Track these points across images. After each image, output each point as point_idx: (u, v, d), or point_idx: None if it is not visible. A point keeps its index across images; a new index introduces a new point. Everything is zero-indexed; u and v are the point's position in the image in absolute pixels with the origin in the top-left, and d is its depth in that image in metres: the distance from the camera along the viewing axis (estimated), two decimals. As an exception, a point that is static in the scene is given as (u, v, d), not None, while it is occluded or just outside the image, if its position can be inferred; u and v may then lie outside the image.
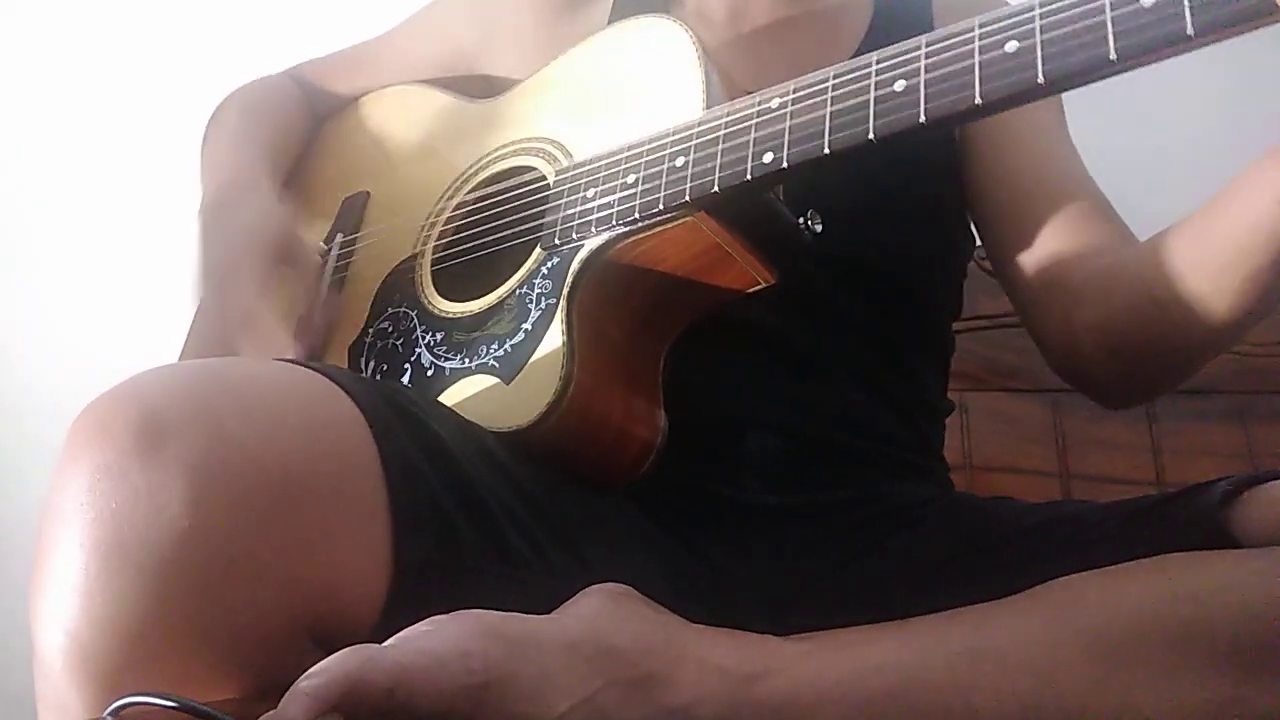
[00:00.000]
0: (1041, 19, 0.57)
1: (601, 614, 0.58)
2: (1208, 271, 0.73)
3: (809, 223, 0.75)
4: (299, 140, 1.08)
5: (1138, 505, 0.67)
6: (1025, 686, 0.52)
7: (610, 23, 0.95)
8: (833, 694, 0.54)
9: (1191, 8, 0.51)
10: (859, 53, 0.77)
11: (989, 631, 0.55)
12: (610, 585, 0.61)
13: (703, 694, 0.54)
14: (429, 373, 0.81)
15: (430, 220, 0.91)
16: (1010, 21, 0.59)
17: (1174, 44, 0.52)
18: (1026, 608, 0.57)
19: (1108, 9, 0.54)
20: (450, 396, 0.78)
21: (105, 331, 1.65)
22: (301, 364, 0.64)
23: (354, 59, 1.12)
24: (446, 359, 0.81)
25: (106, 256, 1.68)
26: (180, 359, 0.89)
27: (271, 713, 0.47)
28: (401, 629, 0.53)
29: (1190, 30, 0.51)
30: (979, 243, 0.97)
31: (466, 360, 0.79)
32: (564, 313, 0.75)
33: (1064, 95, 0.97)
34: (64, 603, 0.52)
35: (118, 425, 0.54)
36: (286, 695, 0.47)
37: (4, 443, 1.66)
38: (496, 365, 0.77)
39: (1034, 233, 0.88)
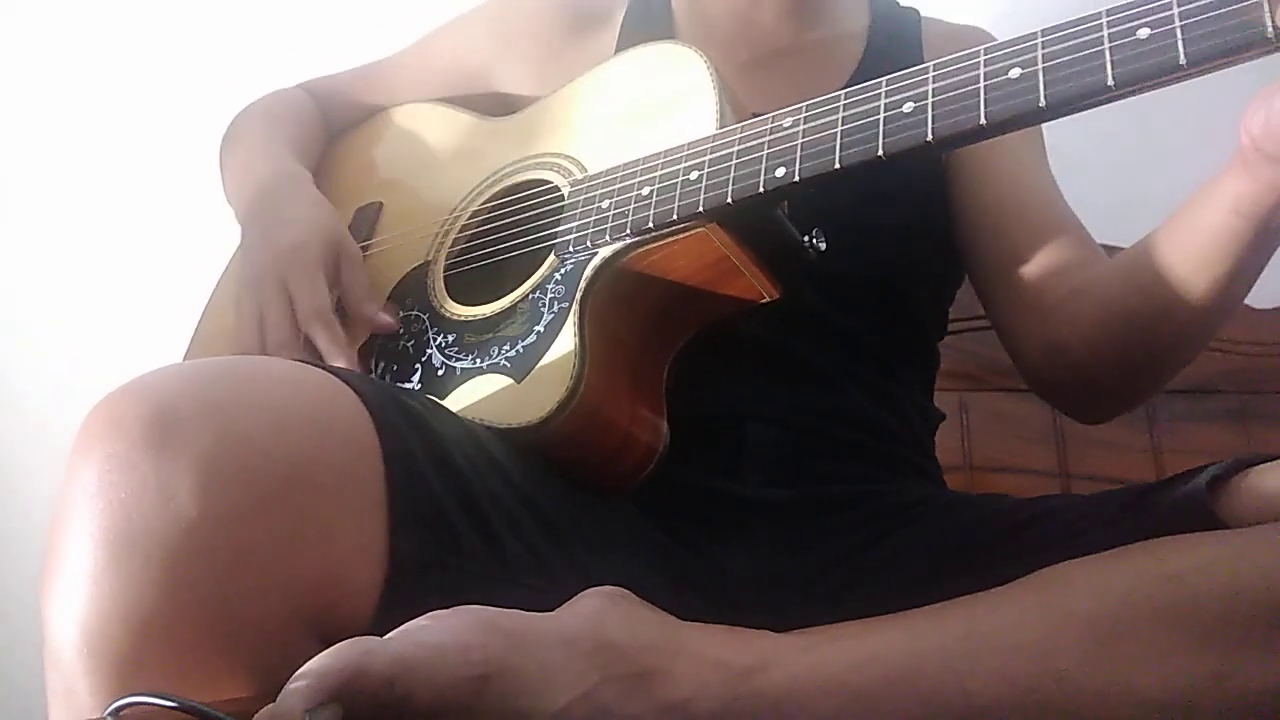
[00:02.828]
0: (1043, 48, 0.60)
1: (600, 612, 0.58)
2: (1172, 280, 0.76)
3: (814, 240, 0.78)
4: (317, 148, 1.10)
5: (1128, 495, 0.68)
6: (1020, 669, 0.53)
7: (618, 47, 0.98)
8: (830, 684, 0.54)
9: (1184, 40, 0.53)
10: (853, 80, 0.79)
11: (982, 618, 0.56)
12: (608, 588, 0.62)
13: (701, 688, 0.54)
14: (439, 373, 0.83)
15: (444, 229, 0.93)
16: (1013, 49, 0.62)
17: (1168, 73, 0.55)
18: (1019, 594, 0.57)
19: (1106, 39, 0.57)
20: (461, 395, 0.80)
21: (111, 330, 1.65)
22: (310, 363, 0.65)
23: (369, 75, 1.14)
24: (458, 359, 0.82)
25: (113, 255, 1.68)
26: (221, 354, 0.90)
27: (271, 705, 0.47)
28: (399, 625, 0.53)
29: (1183, 60, 0.54)
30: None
31: (478, 360, 0.81)
32: (577, 316, 0.77)
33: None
34: (73, 592, 0.53)
35: (129, 418, 0.54)
36: (285, 687, 0.48)
37: (11, 440, 1.66)
38: (508, 365, 0.79)
39: (1014, 256, 0.92)
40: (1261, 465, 0.61)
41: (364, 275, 0.90)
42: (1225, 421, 1.34)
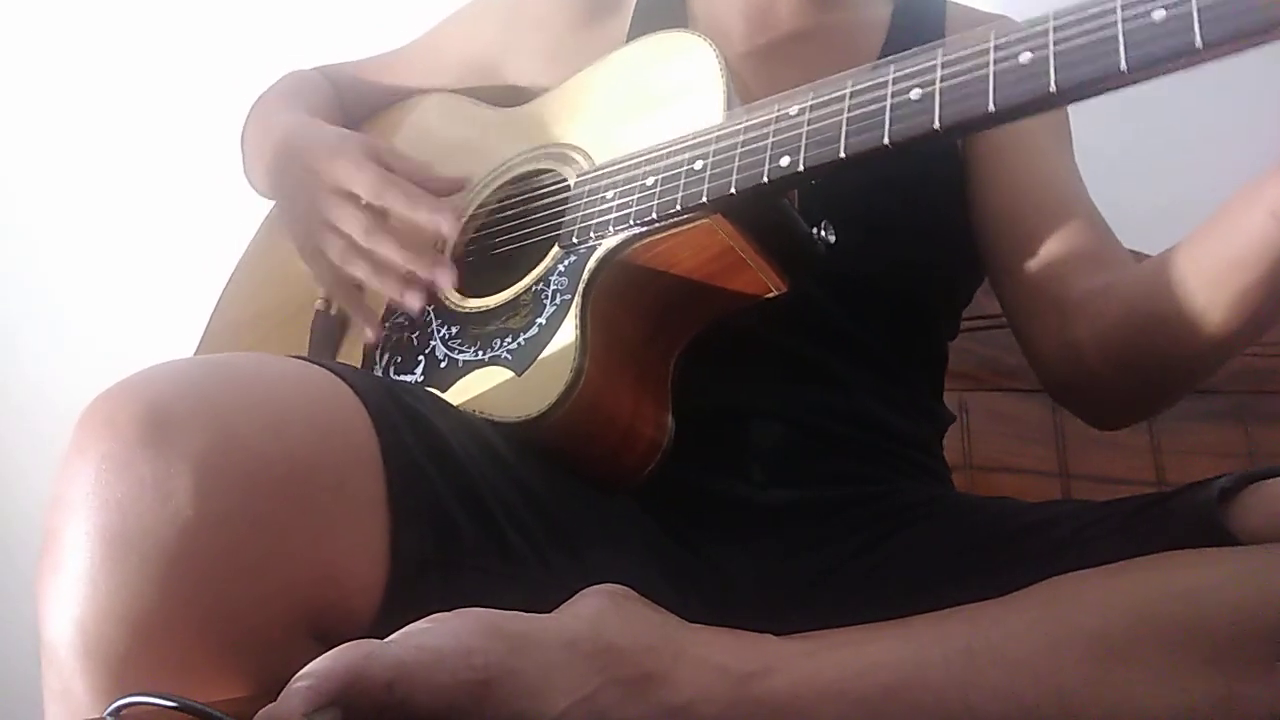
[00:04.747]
0: (1055, 32, 0.59)
1: (602, 613, 0.58)
2: (1201, 284, 0.74)
3: (823, 233, 0.77)
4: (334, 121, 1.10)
5: (1136, 503, 0.68)
6: (1023, 684, 0.53)
7: (629, 35, 0.97)
8: (831, 692, 0.54)
9: (1201, 22, 0.53)
10: None
11: (987, 629, 0.56)
12: (610, 586, 0.61)
13: (702, 692, 0.54)
14: (442, 364, 0.82)
15: None
16: (1024, 34, 0.61)
17: (1183, 56, 0.54)
18: (1025, 605, 0.57)
19: (1119, 22, 0.56)
20: (462, 388, 0.79)
21: (111, 327, 1.65)
22: (308, 360, 0.64)
23: (382, 65, 1.14)
24: (460, 351, 0.82)
25: (113, 251, 1.68)
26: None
27: (270, 705, 0.47)
28: (401, 626, 0.53)
29: (1199, 44, 0.53)
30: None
31: (480, 353, 0.81)
32: (578, 308, 0.76)
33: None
34: (69, 591, 0.53)
35: (124, 417, 0.54)
36: (285, 689, 0.48)
37: (10, 438, 1.66)
38: (509, 358, 0.78)
39: (1033, 249, 0.89)
40: (1273, 479, 0.60)
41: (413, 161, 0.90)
42: (1225, 421, 1.34)
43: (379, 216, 0.85)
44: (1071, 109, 0.98)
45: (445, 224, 0.83)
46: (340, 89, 1.13)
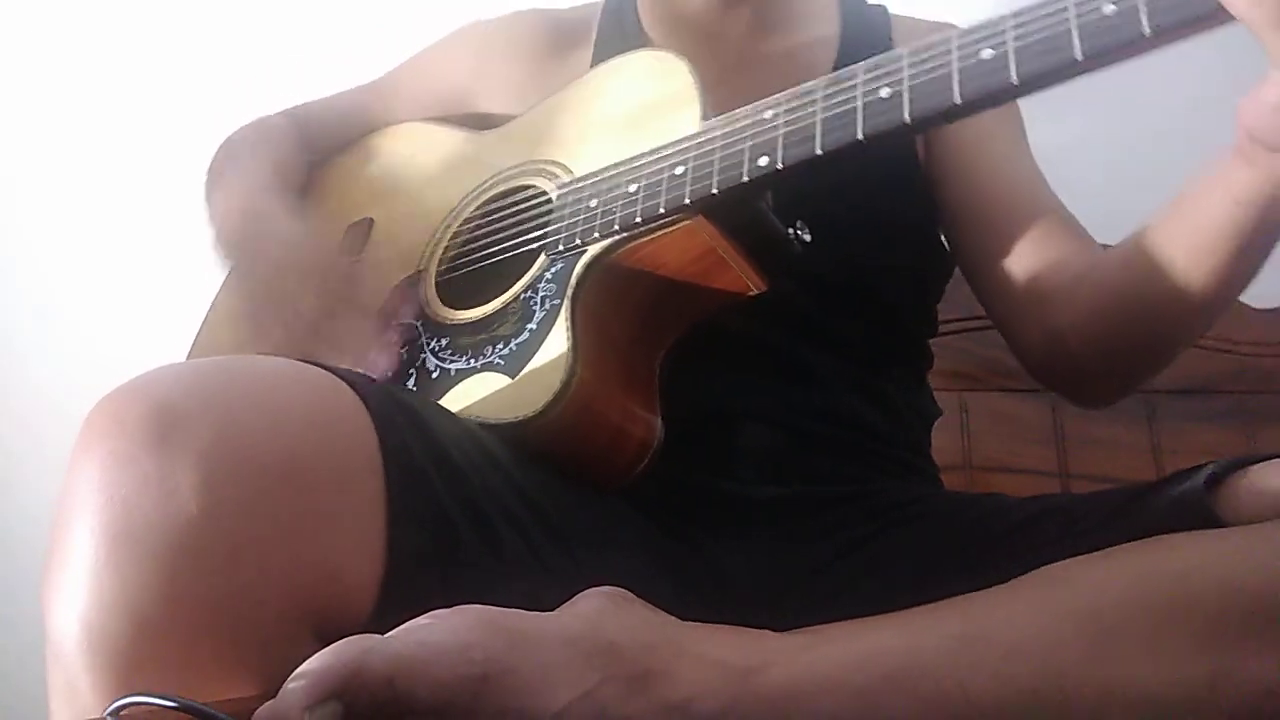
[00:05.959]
0: (1014, 29, 0.62)
1: (601, 613, 0.58)
2: (1174, 269, 0.76)
3: (798, 232, 0.79)
4: (297, 175, 1.11)
5: (1125, 494, 0.68)
6: (1019, 668, 0.53)
7: (592, 66, 0.98)
8: (829, 683, 0.54)
9: (1148, 12, 0.55)
10: None
11: (982, 616, 0.56)
12: (609, 588, 0.61)
13: (702, 688, 0.54)
14: (434, 375, 0.83)
15: (435, 238, 0.95)
16: (983, 33, 0.64)
17: (1133, 44, 0.56)
18: (1017, 593, 0.57)
19: (1073, 16, 0.58)
20: (456, 395, 0.81)
21: (112, 331, 1.65)
22: (309, 362, 0.65)
23: (354, 100, 1.15)
24: (452, 360, 0.83)
25: (114, 256, 1.69)
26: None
27: (270, 702, 0.47)
28: (398, 623, 0.53)
29: (1147, 31, 0.55)
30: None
31: (472, 361, 0.82)
32: (568, 312, 0.78)
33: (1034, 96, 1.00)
34: (75, 587, 0.53)
35: (130, 416, 0.55)
36: (285, 684, 0.48)
37: (12, 442, 1.66)
38: (501, 363, 0.79)
39: (1004, 247, 0.92)
40: (1260, 464, 0.61)
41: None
42: (1225, 421, 1.34)
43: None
44: (1041, 108, 1.00)
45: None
46: (310, 129, 1.14)
